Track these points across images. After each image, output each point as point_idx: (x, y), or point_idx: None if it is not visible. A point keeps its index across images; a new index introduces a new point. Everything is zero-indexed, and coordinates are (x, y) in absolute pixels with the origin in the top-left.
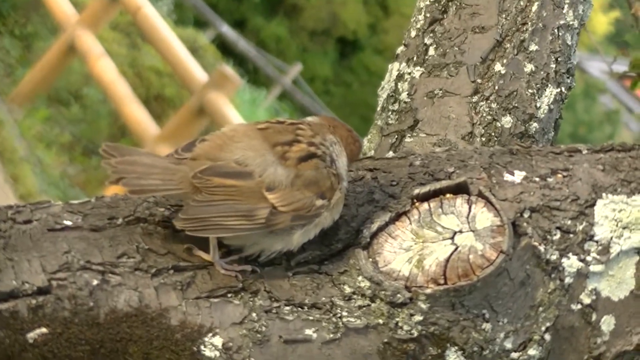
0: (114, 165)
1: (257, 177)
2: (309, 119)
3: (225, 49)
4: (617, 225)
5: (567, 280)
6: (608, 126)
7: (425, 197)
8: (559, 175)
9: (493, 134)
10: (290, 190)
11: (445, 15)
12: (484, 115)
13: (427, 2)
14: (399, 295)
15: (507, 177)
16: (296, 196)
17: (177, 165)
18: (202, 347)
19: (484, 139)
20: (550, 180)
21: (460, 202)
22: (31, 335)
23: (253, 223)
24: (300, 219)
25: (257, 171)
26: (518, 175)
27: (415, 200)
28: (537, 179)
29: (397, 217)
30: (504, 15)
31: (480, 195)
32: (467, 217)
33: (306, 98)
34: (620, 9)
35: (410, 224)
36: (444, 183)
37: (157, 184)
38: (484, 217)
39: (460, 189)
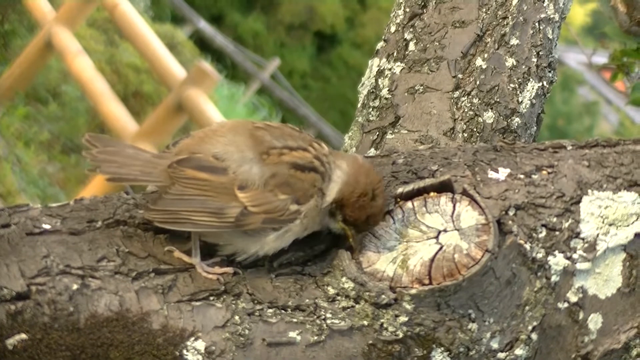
0: (94, 154)
1: (231, 173)
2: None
3: (202, 44)
4: (603, 222)
5: (554, 278)
6: (587, 118)
7: (409, 196)
8: (544, 172)
9: (475, 129)
10: (262, 190)
11: (425, 10)
12: (466, 110)
13: None
14: (383, 296)
15: (492, 174)
16: (268, 197)
17: (159, 159)
18: (184, 352)
19: (465, 135)
20: (535, 177)
21: (444, 200)
22: (10, 342)
23: (222, 221)
24: (272, 222)
25: (232, 167)
26: (502, 173)
27: (398, 199)
28: (521, 176)
29: None
30: (484, 10)
31: (465, 193)
32: (452, 216)
33: (285, 93)
34: (597, 0)
35: (394, 223)
36: (428, 181)
37: (136, 174)
38: (469, 216)
39: (444, 187)
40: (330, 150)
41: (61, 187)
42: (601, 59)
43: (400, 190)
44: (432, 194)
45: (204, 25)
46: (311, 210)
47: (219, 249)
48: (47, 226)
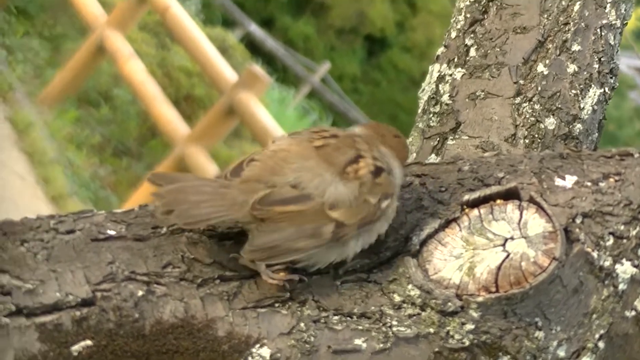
0: (163, 195)
1: (317, 198)
2: (357, 130)
3: (253, 48)
4: None
5: (621, 286)
6: (638, 122)
7: (475, 203)
8: (611, 180)
9: (536, 135)
10: (355, 204)
11: (485, 16)
12: (527, 116)
13: (467, 3)
14: (449, 303)
15: (558, 182)
16: (361, 208)
17: (226, 188)
18: (249, 359)
19: (527, 141)
20: (602, 184)
21: (511, 208)
22: (75, 348)
23: (321, 240)
24: (366, 225)
25: (315, 193)
26: (569, 180)
27: (464, 207)
28: (588, 184)
29: (447, 224)
30: (545, 15)
31: (532, 200)
32: (519, 224)
33: (335, 96)
34: None
35: (460, 230)
36: (494, 189)
37: (209, 212)
38: (536, 223)
39: (510, 195)
40: (360, 137)
41: (112, 190)
42: None
43: (466, 197)
44: (498, 201)
45: (254, 29)
46: (389, 203)
47: (299, 263)
48: (112, 232)
